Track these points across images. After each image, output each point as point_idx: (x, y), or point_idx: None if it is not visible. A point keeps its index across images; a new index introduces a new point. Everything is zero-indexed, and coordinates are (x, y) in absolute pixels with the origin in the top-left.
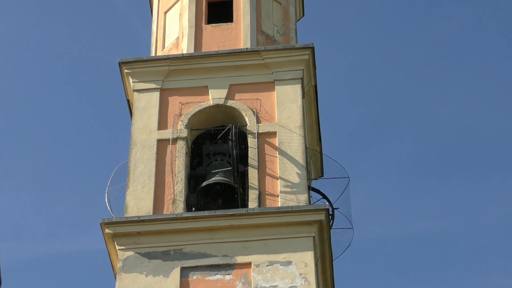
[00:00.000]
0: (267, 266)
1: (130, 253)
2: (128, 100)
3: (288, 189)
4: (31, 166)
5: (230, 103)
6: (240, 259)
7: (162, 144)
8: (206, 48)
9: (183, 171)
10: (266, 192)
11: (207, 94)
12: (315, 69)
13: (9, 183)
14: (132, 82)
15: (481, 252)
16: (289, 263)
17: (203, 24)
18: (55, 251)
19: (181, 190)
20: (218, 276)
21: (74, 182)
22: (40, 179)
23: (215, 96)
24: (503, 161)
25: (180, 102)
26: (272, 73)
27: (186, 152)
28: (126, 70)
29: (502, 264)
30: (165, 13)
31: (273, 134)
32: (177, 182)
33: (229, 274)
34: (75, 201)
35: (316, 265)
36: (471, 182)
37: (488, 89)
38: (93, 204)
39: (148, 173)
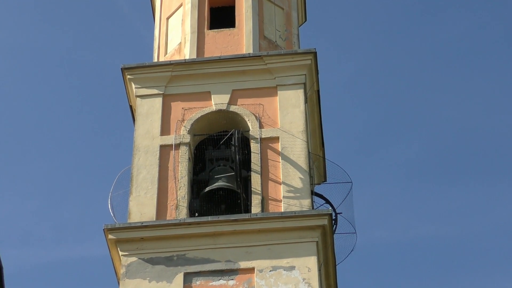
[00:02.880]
0: (270, 271)
1: (133, 258)
2: (130, 106)
3: (291, 194)
4: (34, 172)
5: (233, 108)
6: (243, 264)
7: (164, 149)
8: (209, 53)
9: (186, 177)
10: (269, 197)
11: (210, 99)
12: (317, 74)
13: (13, 190)
14: (135, 87)
15: (486, 256)
16: (292, 268)
17: (205, 30)
18: (60, 257)
19: (184, 196)
20: (222, 282)
21: (78, 188)
22: (44, 185)
23: (218, 101)
24: (509, 165)
25: (182, 108)
26: (275, 78)
27: (189, 158)
28: (128, 76)
29: (508, 268)
30: (168, 18)
31: (275, 139)
32: (180, 187)
33: (232, 279)
34: (80, 207)
35: (319, 270)
36: (475, 186)
37: (494, 92)
38: (98, 210)
39: (151, 179)
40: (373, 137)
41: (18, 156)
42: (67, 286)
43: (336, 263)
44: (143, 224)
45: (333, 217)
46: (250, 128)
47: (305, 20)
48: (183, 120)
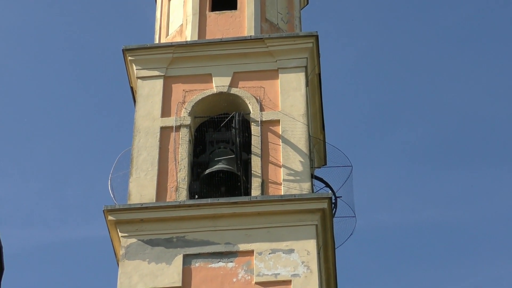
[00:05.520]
0: (269, 254)
1: (133, 240)
2: (131, 87)
3: (291, 177)
4: (36, 153)
5: (234, 90)
6: (242, 246)
7: (165, 131)
8: (210, 35)
9: (186, 159)
10: (269, 180)
11: (211, 81)
12: (319, 57)
13: (15, 171)
14: (136, 69)
15: (488, 240)
16: (291, 251)
17: (207, 12)
18: (61, 238)
19: (184, 178)
20: (221, 264)
21: (79, 169)
22: (45, 167)
23: (219, 83)
24: None
25: (183, 90)
26: (276, 61)
27: (189, 140)
28: (129, 57)
29: (509, 253)
30: (169, 0)
31: (276, 122)
32: (180, 169)
33: (231, 261)
34: (82, 188)
35: (318, 253)
36: (477, 171)
37: (497, 77)
38: (99, 191)
39: (151, 161)
40: (375, 121)
41: (20, 138)
42: (68, 267)
43: (335, 247)
44: (142, 206)
45: (333, 201)
46: (251, 110)
47: (307, 3)
48: (184, 102)
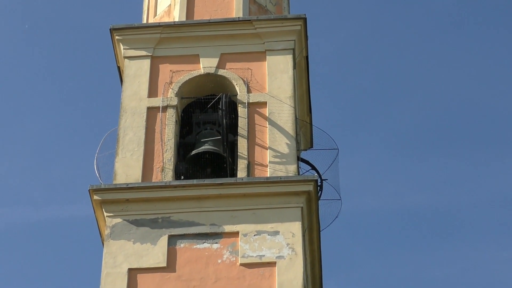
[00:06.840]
0: (254, 235)
1: (118, 220)
2: (118, 67)
3: (277, 159)
4: (22, 132)
5: (221, 72)
6: (228, 228)
7: (152, 111)
8: (198, 16)
9: (173, 139)
10: (255, 162)
11: (198, 62)
12: (306, 40)
13: (1, 150)
14: (123, 49)
15: (474, 226)
16: (276, 233)
17: None
18: (47, 217)
19: (170, 158)
20: (206, 245)
21: (66, 148)
22: (32, 146)
23: (206, 64)
24: (501, 135)
25: (170, 70)
26: (264, 43)
27: (176, 120)
28: (117, 37)
29: (495, 238)
30: None
31: (263, 104)
32: (166, 150)
33: (216, 243)
34: (68, 168)
35: (303, 236)
36: (464, 156)
37: (488, 61)
38: (85, 170)
39: (138, 141)
40: (362, 105)
41: (6, 116)
42: (53, 246)
43: (321, 229)
44: (128, 186)
45: (319, 183)
46: (238, 92)
47: None
48: (171, 83)
